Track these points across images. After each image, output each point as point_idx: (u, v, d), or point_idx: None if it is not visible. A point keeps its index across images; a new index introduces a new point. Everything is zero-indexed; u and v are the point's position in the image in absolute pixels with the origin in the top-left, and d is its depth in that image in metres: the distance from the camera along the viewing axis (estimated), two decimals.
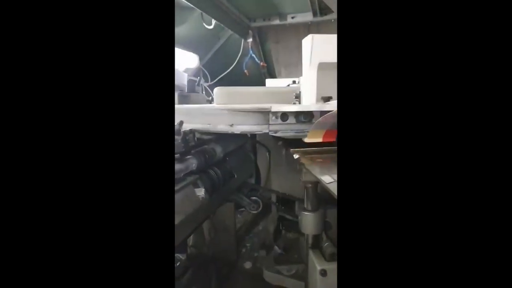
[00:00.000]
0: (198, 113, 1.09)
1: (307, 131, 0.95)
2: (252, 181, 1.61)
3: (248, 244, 1.72)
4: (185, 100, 1.64)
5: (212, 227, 1.56)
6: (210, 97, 1.99)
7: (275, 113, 0.97)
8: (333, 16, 1.86)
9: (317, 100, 1.09)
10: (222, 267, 1.48)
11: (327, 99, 1.01)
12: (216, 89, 1.30)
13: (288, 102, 1.24)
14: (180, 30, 1.86)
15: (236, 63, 2.17)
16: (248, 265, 1.54)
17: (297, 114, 0.99)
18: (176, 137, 0.90)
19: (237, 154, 1.39)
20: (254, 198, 1.40)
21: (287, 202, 1.42)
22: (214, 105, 1.09)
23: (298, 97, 1.28)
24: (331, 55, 0.74)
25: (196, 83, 2.06)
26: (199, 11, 1.73)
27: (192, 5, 1.54)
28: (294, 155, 0.97)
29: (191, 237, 1.55)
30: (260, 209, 1.40)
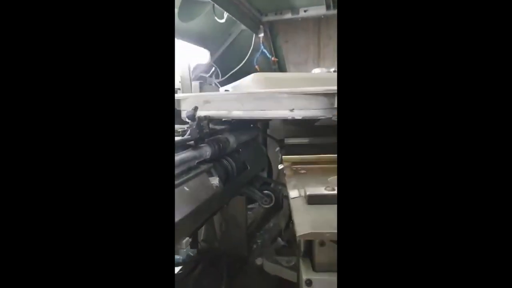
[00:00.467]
0: (249, 98, 1.02)
1: None
2: (264, 174, 1.59)
3: (259, 241, 1.69)
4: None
5: (223, 222, 1.54)
6: None
7: None
8: None
9: None
10: (233, 263, 1.46)
11: None
12: (253, 75, 1.25)
13: None
14: (191, 25, 1.86)
15: (247, 58, 2.15)
16: (259, 261, 1.51)
17: None
18: (190, 123, 0.88)
19: (250, 146, 1.37)
20: (266, 192, 1.37)
21: None
22: (270, 89, 1.02)
23: None
24: None
25: (207, 80, 2.06)
26: (210, 6, 1.72)
27: None
28: (279, 166, 0.98)
29: (202, 231, 1.53)
30: (272, 203, 1.37)
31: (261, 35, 2.08)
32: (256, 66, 2.17)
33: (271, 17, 2.05)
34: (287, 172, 0.95)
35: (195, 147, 0.90)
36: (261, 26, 2.08)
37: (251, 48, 2.11)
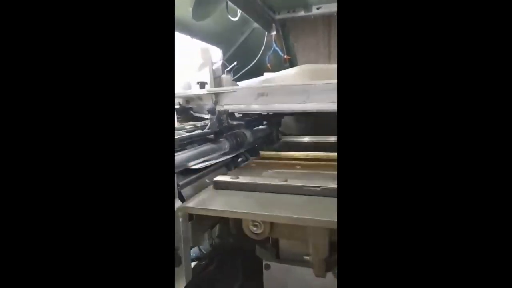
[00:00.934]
0: (315, 90, 0.97)
1: None
2: None
3: None
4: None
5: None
6: None
7: None
8: None
9: None
10: (249, 259, 1.45)
11: None
12: (303, 66, 1.24)
13: None
14: (204, 24, 1.87)
15: (259, 57, 2.15)
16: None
17: None
18: (211, 116, 0.89)
19: (265, 142, 1.37)
20: None
21: None
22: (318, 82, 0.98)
23: None
24: None
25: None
26: (224, 4, 1.73)
27: None
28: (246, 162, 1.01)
29: (217, 227, 1.53)
30: None
31: (273, 33, 2.09)
32: (268, 65, 2.17)
33: (284, 15, 2.05)
34: (249, 164, 1.00)
35: (214, 140, 0.90)
36: (273, 24, 2.09)
37: (263, 46, 2.12)
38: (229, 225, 1.58)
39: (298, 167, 0.93)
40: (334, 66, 1.26)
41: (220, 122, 0.90)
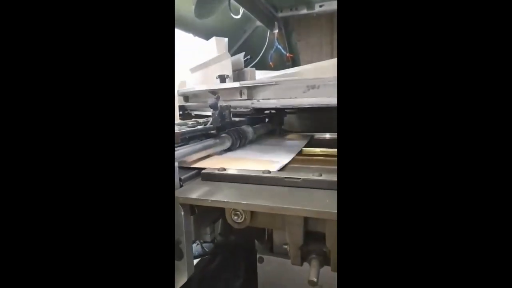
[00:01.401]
0: None
1: None
2: None
3: None
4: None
5: None
6: None
7: None
8: None
9: None
10: (251, 256, 1.45)
11: None
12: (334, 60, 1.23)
13: None
14: (207, 22, 1.88)
15: (261, 55, 2.15)
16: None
17: None
18: (213, 111, 0.89)
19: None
20: None
21: None
22: None
23: None
24: None
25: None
26: (226, 2, 1.74)
27: None
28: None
29: (219, 224, 1.53)
30: None
31: (276, 31, 2.09)
32: (271, 63, 2.17)
33: (286, 13, 2.05)
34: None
35: (216, 135, 0.90)
36: (275, 22, 2.08)
37: (266, 44, 2.12)
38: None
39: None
40: None
41: (223, 118, 0.90)
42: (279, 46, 2.13)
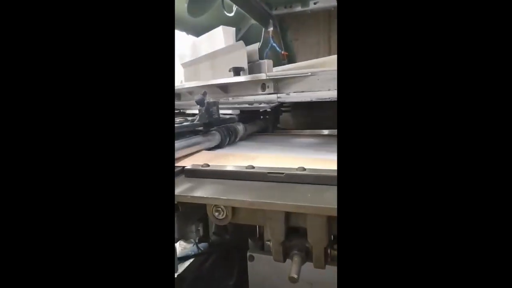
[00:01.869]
0: None
1: None
2: None
3: None
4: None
5: None
6: None
7: None
8: None
9: None
10: (245, 256, 1.44)
11: None
12: None
13: None
14: (200, 20, 1.87)
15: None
16: None
17: None
18: (200, 108, 0.88)
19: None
20: None
21: None
22: None
23: None
24: None
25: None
26: (219, 0, 1.72)
27: None
28: None
29: (214, 224, 1.52)
30: None
31: (271, 29, 2.07)
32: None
33: (280, 11, 2.04)
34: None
35: (204, 132, 0.89)
36: (270, 20, 2.07)
37: (261, 42, 2.10)
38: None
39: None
40: None
41: (210, 114, 0.89)
42: (274, 44, 2.11)
